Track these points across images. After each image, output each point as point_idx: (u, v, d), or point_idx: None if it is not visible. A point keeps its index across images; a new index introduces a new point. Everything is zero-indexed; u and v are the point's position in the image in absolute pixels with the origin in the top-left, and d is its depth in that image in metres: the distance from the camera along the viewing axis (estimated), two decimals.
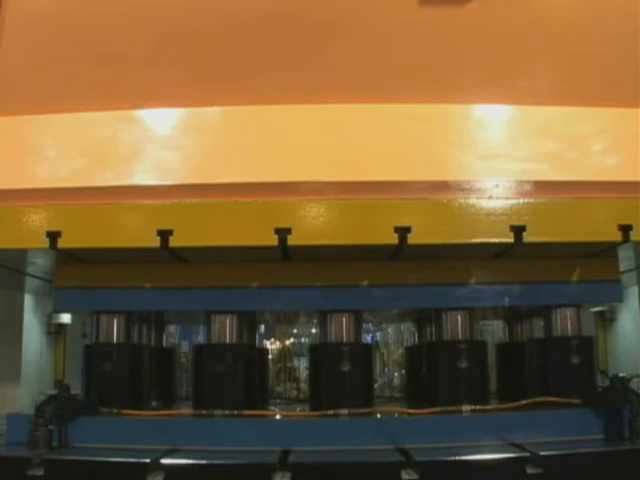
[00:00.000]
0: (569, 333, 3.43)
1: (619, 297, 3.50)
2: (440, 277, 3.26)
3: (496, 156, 2.83)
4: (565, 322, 3.45)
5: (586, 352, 3.38)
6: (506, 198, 2.86)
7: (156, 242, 2.81)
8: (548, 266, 3.25)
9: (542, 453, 2.55)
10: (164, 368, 3.98)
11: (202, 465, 2.59)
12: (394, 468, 2.52)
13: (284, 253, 3.01)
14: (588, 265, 3.28)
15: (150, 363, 3.58)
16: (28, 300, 4.42)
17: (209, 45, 2.68)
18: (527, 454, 2.59)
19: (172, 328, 4.73)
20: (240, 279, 3.24)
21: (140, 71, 2.74)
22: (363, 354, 3.39)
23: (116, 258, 3.17)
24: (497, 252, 3.11)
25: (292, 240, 2.79)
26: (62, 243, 2.83)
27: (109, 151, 2.84)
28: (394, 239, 2.80)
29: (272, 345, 5.16)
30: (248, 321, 3.64)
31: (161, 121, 2.88)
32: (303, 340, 5.10)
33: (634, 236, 2.82)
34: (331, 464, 2.60)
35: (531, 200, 2.86)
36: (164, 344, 4.24)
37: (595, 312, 4.84)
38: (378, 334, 5.14)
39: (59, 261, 3.24)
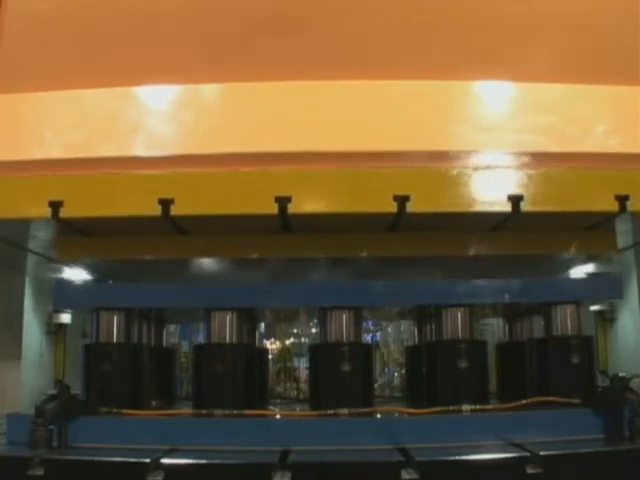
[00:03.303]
0: (569, 333, 3.43)
1: (619, 293, 3.51)
2: (439, 249, 3.27)
3: (495, 129, 2.87)
4: (565, 321, 3.45)
5: (586, 352, 3.38)
6: (504, 168, 2.88)
7: (157, 211, 2.81)
8: (546, 239, 3.26)
9: (542, 453, 2.55)
10: (164, 368, 3.98)
11: (202, 465, 2.59)
12: (394, 468, 2.51)
13: (284, 223, 3.01)
14: (586, 238, 3.29)
15: (150, 363, 3.58)
16: (28, 300, 4.42)
17: (206, 24, 2.74)
18: (527, 454, 2.59)
19: (172, 327, 4.74)
20: (240, 250, 3.24)
21: (139, 48, 2.80)
22: (363, 354, 3.38)
23: (117, 230, 3.16)
24: (495, 224, 3.10)
25: (292, 209, 2.79)
26: (64, 213, 2.84)
27: (110, 125, 2.88)
28: (393, 207, 2.80)
29: (272, 345, 5.16)
30: (248, 320, 3.64)
31: (161, 97, 2.93)
32: (303, 340, 5.10)
33: (631, 206, 2.83)
34: (331, 464, 2.60)
35: (529, 171, 2.88)
36: (164, 344, 4.24)
37: (595, 312, 4.84)
38: (378, 334, 5.15)
39: (61, 234, 3.24)
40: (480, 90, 2.90)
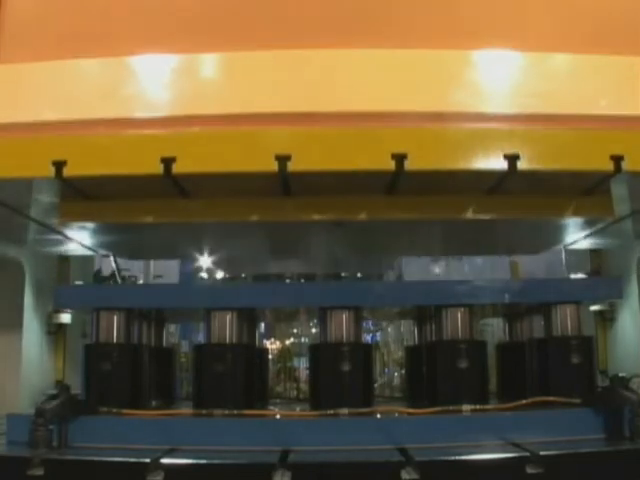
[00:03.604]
0: (569, 333, 3.43)
1: (619, 293, 3.51)
2: (436, 212, 3.28)
3: (493, 92, 2.94)
4: (565, 321, 3.45)
5: (586, 352, 3.38)
6: (501, 129, 2.91)
7: (159, 169, 2.83)
8: (542, 203, 3.27)
9: (542, 453, 2.55)
10: (164, 368, 3.99)
11: (202, 465, 2.59)
12: (394, 468, 2.51)
13: (284, 182, 3.03)
14: (582, 202, 3.30)
15: (150, 363, 3.58)
16: (28, 300, 4.42)
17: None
18: (527, 454, 2.59)
19: (172, 327, 4.75)
20: (240, 213, 3.24)
21: (140, 20, 2.95)
22: (363, 354, 3.39)
23: (119, 193, 3.18)
24: (492, 185, 3.12)
25: (291, 167, 2.81)
26: (67, 172, 2.85)
27: (112, 89, 2.96)
28: (391, 165, 2.83)
29: (272, 345, 5.17)
30: (248, 320, 3.64)
31: (162, 64, 3.00)
32: (303, 340, 5.11)
33: (626, 166, 2.84)
34: (331, 464, 2.60)
35: (525, 130, 2.91)
36: (164, 343, 4.24)
37: (595, 312, 4.85)
38: (378, 334, 5.16)
39: (64, 198, 3.26)
40: (478, 57, 2.98)
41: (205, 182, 3.02)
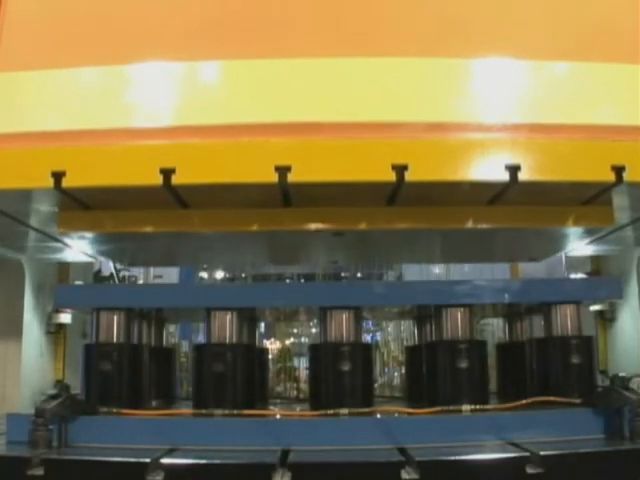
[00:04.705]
0: (569, 333, 3.43)
1: (619, 293, 3.51)
2: (436, 223, 3.27)
3: (493, 102, 2.93)
4: (565, 321, 3.45)
5: (586, 352, 3.39)
6: (502, 139, 2.90)
7: (159, 180, 2.82)
8: (542, 213, 3.26)
9: (542, 453, 2.55)
10: (164, 368, 3.99)
11: (202, 465, 2.59)
12: (394, 468, 2.51)
13: (284, 193, 3.02)
14: (582, 212, 3.29)
15: (150, 363, 3.58)
16: (28, 300, 4.42)
17: (204, 4, 2.91)
18: (527, 454, 2.59)
19: (172, 327, 4.75)
20: (241, 224, 3.25)
21: (137, 29, 2.96)
22: (363, 354, 3.39)
23: (119, 204, 3.19)
24: (492, 196, 3.12)
25: (292, 177, 2.80)
26: (66, 182, 2.85)
27: (111, 99, 2.96)
28: (392, 176, 2.81)
29: (272, 345, 5.18)
30: (248, 320, 3.64)
31: (160, 74, 2.99)
32: (303, 340, 5.12)
33: (627, 177, 2.83)
34: (331, 464, 2.60)
35: (526, 141, 2.90)
36: (164, 343, 4.24)
37: (595, 312, 4.85)
38: (378, 334, 5.16)
39: (63, 208, 3.26)
40: (477, 66, 2.97)
41: (205, 193, 3.01)
